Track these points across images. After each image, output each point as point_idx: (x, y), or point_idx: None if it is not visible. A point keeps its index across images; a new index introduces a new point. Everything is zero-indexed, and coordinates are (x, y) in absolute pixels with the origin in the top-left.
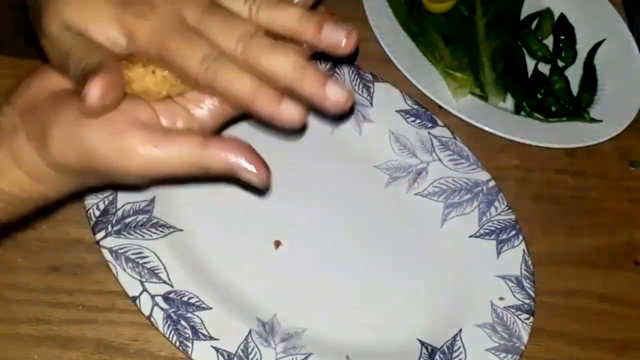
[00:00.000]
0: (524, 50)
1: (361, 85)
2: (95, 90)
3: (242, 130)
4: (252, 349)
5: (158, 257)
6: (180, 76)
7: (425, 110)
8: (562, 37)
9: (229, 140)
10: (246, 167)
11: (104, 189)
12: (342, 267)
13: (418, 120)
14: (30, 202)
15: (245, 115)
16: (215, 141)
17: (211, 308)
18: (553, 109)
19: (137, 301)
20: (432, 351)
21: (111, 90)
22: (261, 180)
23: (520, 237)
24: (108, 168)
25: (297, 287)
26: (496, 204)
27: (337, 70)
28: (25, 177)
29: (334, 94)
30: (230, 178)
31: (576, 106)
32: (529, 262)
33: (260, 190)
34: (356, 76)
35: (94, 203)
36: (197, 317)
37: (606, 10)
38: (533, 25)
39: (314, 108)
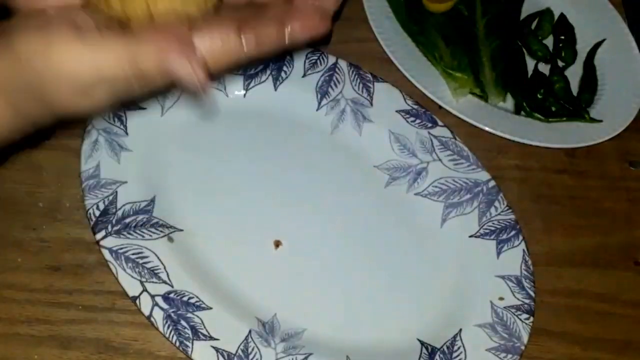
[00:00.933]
0: (524, 50)
1: (361, 85)
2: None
3: (241, 130)
4: (252, 349)
5: (158, 257)
6: None
7: (425, 110)
8: (562, 37)
9: (159, 31)
10: (177, 53)
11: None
12: (342, 267)
13: (418, 120)
14: None
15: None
16: (148, 33)
17: (211, 308)
18: (553, 109)
19: (137, 301)
20: (432, 351)
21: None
22: (193, 75)
23: (520, 237)
24: (40, 75)
25: (297, 287)
26: (496, 204)
27: (337, 69)
28: None
29: None
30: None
31: (576, 106)
32: (529, 262)
33: (204, 107)
34: (356, 76)
35: (94, 203)
36: (197, 317)
37: (606, 10)
38: (533, 25)
39: None
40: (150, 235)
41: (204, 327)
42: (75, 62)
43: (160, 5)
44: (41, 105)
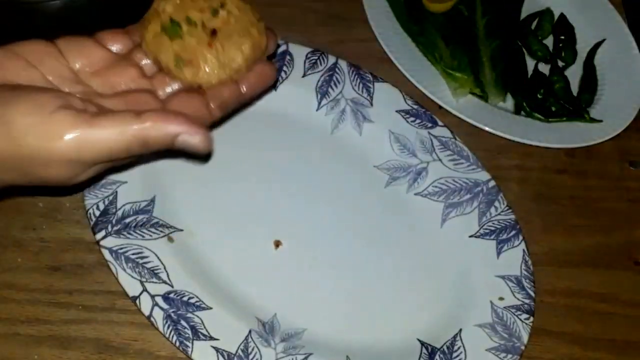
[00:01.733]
0: (524, 50)
1: (361, 85)
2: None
3: (241, 130)
4: (252, 349)
5: (158, 257)
6: None
7: (425, 110)
8: (562, 37)
9: (163, 111)
10: (186, 131)
11: (24, 192)
12: (342, 267)
13: (418, 120)
14: None
15: None
16: (149, 113)
17: (211, 308)
18: (553, 109)
19: (137, 301)
20: (432, 351)
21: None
22: (203, 144)
23: (520, 237)
24: (33, 153)
25: (297, 287)
26: (496, 204)
27: (337, 69)
28: None
29: None
30: (173, 152)
31: (576, 106)
32: (529, 262)
33: (203, 157)
34: (356, 76)
35: (94, 203)
36: (197, 317)
37: (606, 10)
38: (533, 25)
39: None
40: (150, 235)
41: (204, 327)
42: (77, 148)
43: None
44: (20, 177)
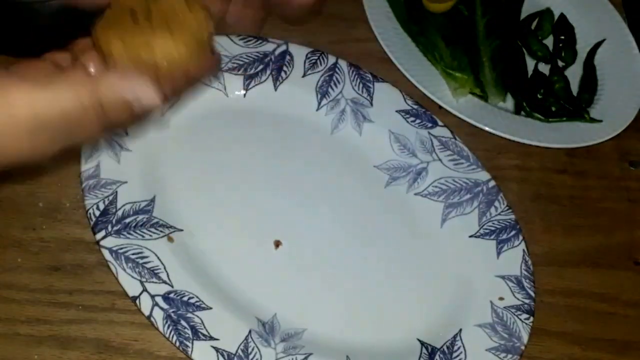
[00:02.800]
0: (524, 50)
1: (361, 85)
2: None
3: (241, 130)
4: (252, 349)
5: (158, 257)
6: None
7: (425, 110)
8: (562, 37)
9: (118, 69)
10: (143, 88)
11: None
12: (342, 267)
13: (418, 120)
14: None
15: None
16: (105, 72)
17: (211, 308)
18: (553, 109)
19: (137, 301)
20: (432, 351)
21: None
22: (157, 101)
23: (520, 237)
24: None
25: (297, 287)
26: (496, 204)
27: (337, 69)
28: None
29: None
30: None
31: (576, 106)
32: (529, 262)
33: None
34: (356, 76)
35: (94, 203)
36: (197, 317)
37: (606, 10)
38: (533, 25)
39: None
40: (150, 235)
41: (204, 327)
42: (29, 101)
43: (159, 49)
44: None
